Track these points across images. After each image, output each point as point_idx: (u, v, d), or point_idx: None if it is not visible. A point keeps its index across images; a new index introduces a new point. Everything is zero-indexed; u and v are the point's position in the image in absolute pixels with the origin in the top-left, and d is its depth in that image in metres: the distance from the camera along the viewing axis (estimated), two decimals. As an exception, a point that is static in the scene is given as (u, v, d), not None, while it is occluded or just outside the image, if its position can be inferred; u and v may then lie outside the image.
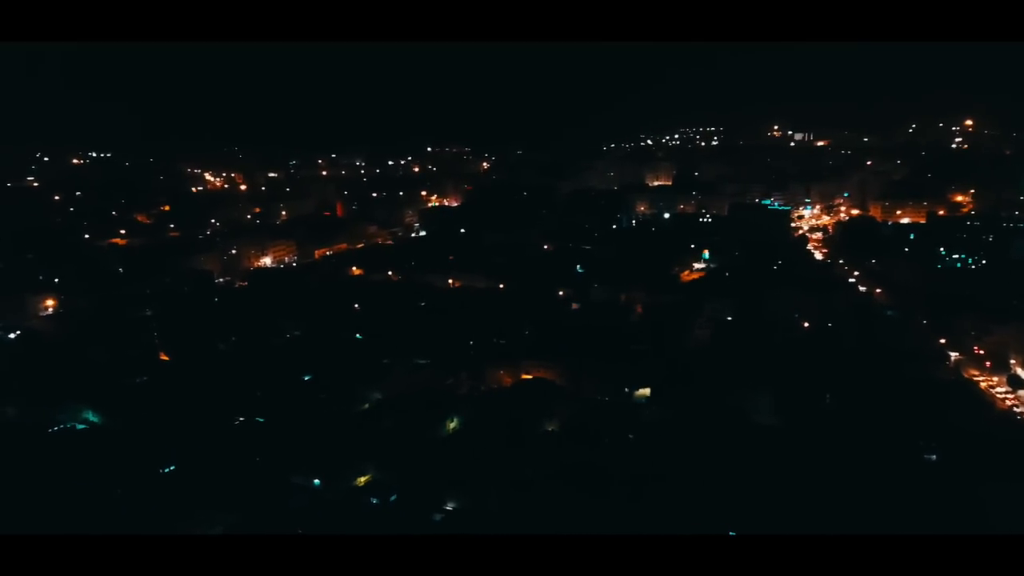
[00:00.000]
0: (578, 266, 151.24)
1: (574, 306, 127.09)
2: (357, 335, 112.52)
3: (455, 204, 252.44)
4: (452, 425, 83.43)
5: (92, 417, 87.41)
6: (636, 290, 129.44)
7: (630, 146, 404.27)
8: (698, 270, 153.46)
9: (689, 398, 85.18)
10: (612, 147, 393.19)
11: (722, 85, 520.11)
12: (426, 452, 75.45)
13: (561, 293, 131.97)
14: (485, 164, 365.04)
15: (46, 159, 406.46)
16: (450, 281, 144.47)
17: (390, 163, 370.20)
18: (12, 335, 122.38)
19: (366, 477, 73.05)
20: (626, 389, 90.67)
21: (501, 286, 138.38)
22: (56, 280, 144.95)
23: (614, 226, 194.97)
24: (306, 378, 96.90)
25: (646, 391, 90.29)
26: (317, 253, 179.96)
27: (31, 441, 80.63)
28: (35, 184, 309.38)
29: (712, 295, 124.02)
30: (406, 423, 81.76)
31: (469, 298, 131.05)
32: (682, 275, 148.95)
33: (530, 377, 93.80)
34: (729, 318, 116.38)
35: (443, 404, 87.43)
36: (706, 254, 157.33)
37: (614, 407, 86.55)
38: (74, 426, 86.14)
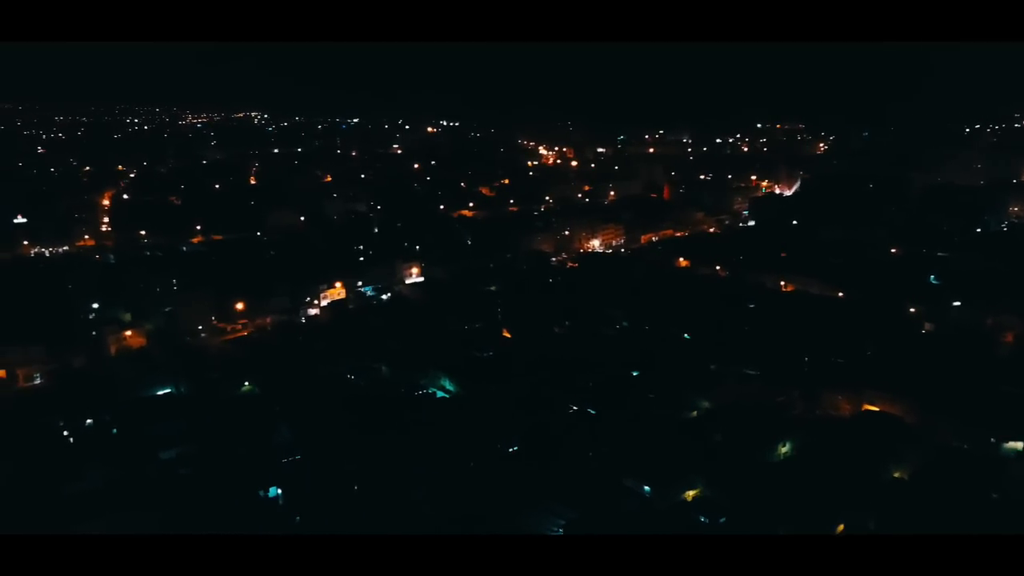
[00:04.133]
0: (932, 277, 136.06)
1: (927, 326, 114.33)
2: (685, 334, 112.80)
3: (787, 192, 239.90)
4: (784, 449, 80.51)
5: (449, 386, 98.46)
6: (1007, 313, 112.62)
7: (1000, 128, 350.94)
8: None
9: (1075, 462, 73.04)
10: (976, 129, 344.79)
11: None
12: (756, 475, 73.77)
13: (912, 309, 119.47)
14: (822, 145, 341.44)
15: (407, 127, 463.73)
16: (781, 283, 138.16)
17: (717, 141, 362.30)
18: (384, 296, 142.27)
19: (695, 491, 73.51)
20: (992, 439, 79.93)
21: (840, 294, 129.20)
22: (417, 248, 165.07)
23: (979, 230, 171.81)
24: (634, 374, 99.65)
25: (1018, 445, 78.87)
26: (643, 238, 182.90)
27: (401, 402, 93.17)
28: (399, 151, 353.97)
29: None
30: (736, 439, 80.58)
31: (803, 304, 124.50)
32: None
33: (874, 409, 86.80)
34: None
35: (774, 424, 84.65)
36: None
37: (976, 459, 76.73)
38: (435, 393, 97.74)
